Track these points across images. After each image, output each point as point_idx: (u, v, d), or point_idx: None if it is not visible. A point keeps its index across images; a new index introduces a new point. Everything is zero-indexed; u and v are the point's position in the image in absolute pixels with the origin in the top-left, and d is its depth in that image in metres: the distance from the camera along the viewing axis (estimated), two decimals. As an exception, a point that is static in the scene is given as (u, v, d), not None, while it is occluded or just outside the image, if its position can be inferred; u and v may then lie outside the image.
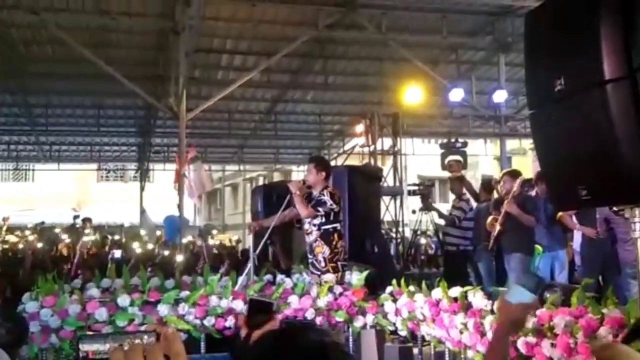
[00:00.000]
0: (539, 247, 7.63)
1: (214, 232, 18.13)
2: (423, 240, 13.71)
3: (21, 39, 11.91)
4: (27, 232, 16.32)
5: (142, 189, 21.78)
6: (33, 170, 26.40)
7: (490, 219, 7.76)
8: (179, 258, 9.67)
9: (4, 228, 15.50)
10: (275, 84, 15.06)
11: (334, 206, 6.52)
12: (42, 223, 18.60)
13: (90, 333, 5.00)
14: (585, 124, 2.87)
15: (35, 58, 12.82)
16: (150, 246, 14.80)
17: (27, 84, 14.23)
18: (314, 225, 6.56)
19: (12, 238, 15.15)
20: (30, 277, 7.99)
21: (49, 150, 20.66)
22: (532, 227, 7.40)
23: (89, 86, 14.19)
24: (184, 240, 12.44)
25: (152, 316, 5.47)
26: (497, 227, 7.53)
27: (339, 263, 6.45)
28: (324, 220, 6.53)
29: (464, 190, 9.99)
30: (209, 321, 5.55)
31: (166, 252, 12.70)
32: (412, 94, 12.99)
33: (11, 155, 20.94)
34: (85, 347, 1.25)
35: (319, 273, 6.40)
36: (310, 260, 6.64)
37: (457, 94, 13.02)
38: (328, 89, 15.51)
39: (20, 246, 14.18)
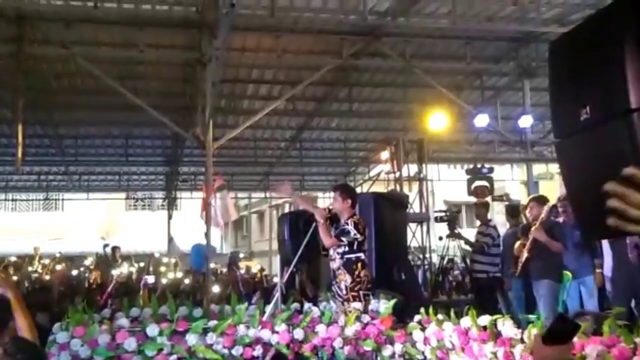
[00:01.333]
0: (568, 274, 7.53)
1: (241, 255, 18.23)
2: (450, 267, 13.63)
3: (51, 71, 12.18)
4: (47, 261, 16.52)
5: (169, 217, 21.99)
6: (63, 200, 26.80)
7: (517, 244, 7.70)
8: (215, 289, 9.59)
9: (37, 258, 15.73)
10: (301, 112, 15.17)
11: (358, 236, 6.55)
12: (60, 254, 18.76)
13: None
14: (612, 153, 2.85)
15: (65, 90, 13.08)
16: (179, 274, 14.89)
17: (57, 115, 14.52)
18: (338, 253, 6.60)
19: (41, 268, 15.36)
20: (59, 306, 8.09)
21: (78, 180, 20.98)
22: (560, 253, 7.32)
23: (117, 117, 14.44)
24: (212, 266, 12.49)
25: (180, 345, 5.51)
26: (525, 254, 7.47)
27: (360, 292, 6.44)
28: (347, 249, 6.56)
29: (489, 217, 9.94)
30: (237, 350, 5.58)
31: (189, 280, 12.75)
32: (437, 120, 12.98)
33: (41, 185, 21.29)
34: None
35: (341, 300, 6.44)
36: (333, 287, 6.69)
37: (482, 120, 12.99)
38: (353, 116, 15.58)
39: (47, 276, 14.35)
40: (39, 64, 11.59)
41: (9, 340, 3.12)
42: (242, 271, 15.85)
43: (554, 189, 17.97)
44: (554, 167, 20.21)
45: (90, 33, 10.50)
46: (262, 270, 18.13)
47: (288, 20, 10.29)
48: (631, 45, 2.74)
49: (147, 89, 12.55)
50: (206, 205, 10.98)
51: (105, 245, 16.18)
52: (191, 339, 5.55)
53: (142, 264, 15.47)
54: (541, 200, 7.61)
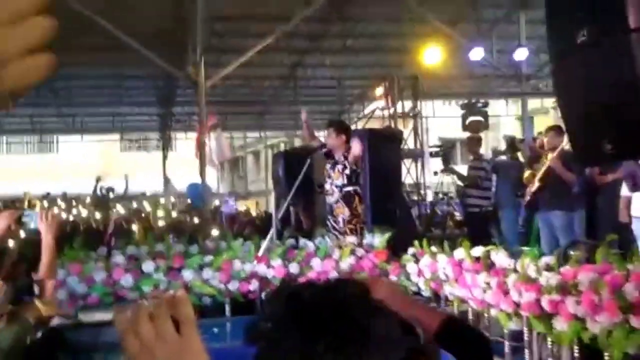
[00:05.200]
0: None
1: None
2: (444, 203, 13.69)
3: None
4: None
5: (165, 157, 21.94)
6: (57, 142, 26.62)
7: (527, 174, 7.69)
8: (214, 232, 9.49)
9: (25, 203, 15.70)
10: (294, 50, 14.93)
11: (355, 167, 6.59)
12: (65, 194, 18.84)
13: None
14: (609, 75, 2.81)
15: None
16: (174, 214, 14.96)
17: (47, 56, 14.25)
18: (336, 186, 6.65)
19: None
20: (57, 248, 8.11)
21: (72, 122, 20.81)
22: (572, 184, 7.28)
23: (109, 56, 14.18)
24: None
25: (177, 281, 5.55)
26: (536, 183, 7.45)
27: (357, 225, 6.50)
28: (345, 181, 6.60)
29: (481, 151, 9.92)
30: (233, 285, 5.62)
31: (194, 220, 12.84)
32: (432, 55, 12.81)
33: (35, 128, 21.07)
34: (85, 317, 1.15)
35: (337, 234, 6.50)
36: (330, 222, 6.74)
37: (477, 53, 12.81)
38: (347, 52, 15.34)
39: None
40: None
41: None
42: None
43: (548, 123, 17.89)
44: (549, 102, 20.08)
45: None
46: (247, 210, 18.25)
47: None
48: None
49: (138, 28, 12.28)
50: (200, 145, 10.93)
51: (97, 184, 16.03)
52: (187, 274, 5.59)
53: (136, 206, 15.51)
54: (559, 129, 7.52)
